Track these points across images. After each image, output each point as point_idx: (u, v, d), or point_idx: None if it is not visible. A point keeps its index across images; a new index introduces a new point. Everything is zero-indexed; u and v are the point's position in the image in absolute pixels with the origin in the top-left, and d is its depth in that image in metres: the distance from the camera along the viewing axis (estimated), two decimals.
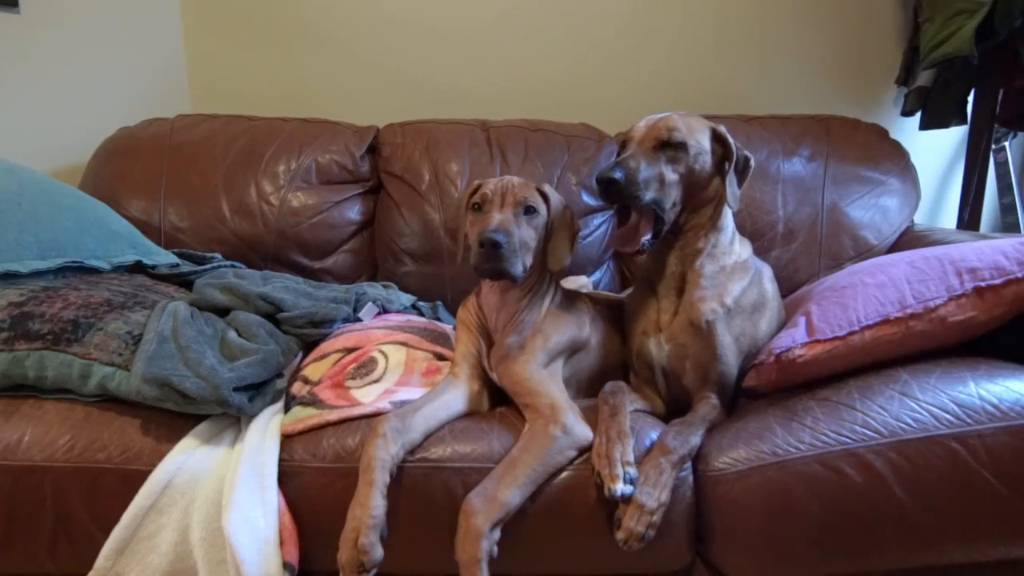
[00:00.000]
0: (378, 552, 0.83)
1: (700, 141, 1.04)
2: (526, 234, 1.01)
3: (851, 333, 0.94)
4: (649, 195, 0.99)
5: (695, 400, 1.03)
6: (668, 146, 1.01)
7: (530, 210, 1.03)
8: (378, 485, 0.85)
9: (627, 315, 1.14)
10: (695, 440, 0.93)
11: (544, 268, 1.08)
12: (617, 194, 0.97)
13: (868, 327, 0.94)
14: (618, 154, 1.09)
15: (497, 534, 0.84)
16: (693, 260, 1.05)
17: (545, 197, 1.07)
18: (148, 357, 0.93)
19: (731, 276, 1.05)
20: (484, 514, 0.82)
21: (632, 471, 0.86)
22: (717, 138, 1.06)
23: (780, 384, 0.99)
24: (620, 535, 0.84)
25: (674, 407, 1.08)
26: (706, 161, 1.04)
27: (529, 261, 1.01)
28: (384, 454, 0.87)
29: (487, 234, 0.96)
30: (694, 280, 1.04)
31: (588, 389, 1.09)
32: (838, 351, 0.94)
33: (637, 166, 0.99)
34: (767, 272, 1.13)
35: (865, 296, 0.98)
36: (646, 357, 1.07)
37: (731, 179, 1.04)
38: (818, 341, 0.95)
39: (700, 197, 1.05)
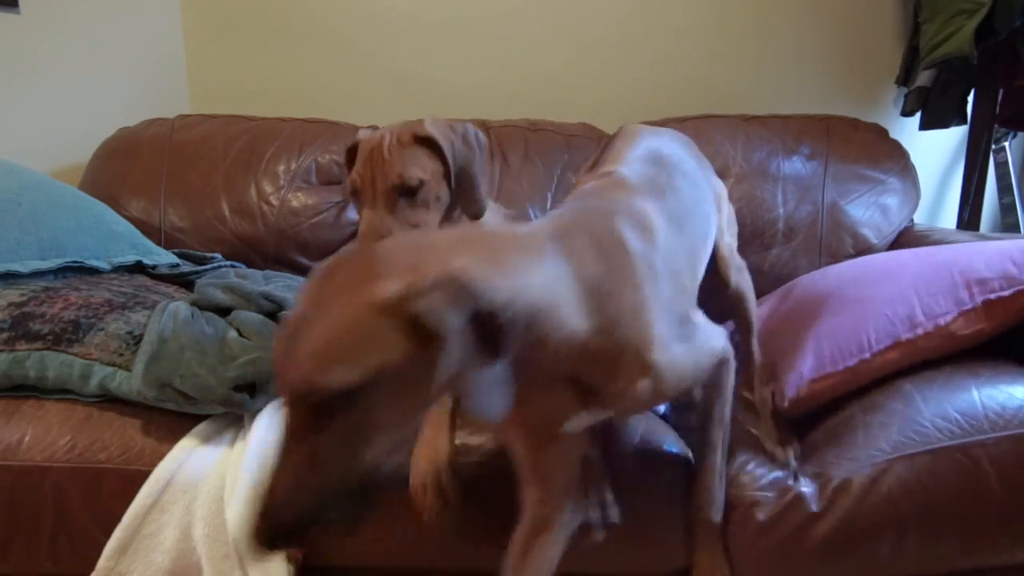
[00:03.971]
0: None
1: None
2: (415, 219, 0.84)
3: (861, 362, 0.93)
4: None
5: None
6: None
7: (411, 190, 0.84)
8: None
9: None
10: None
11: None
12: None
13: (878, 353, 0.93)
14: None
15: None
16: None
17: (432, 143, 0.86)
18: (148, 358, 0.93)
19: None
20: None
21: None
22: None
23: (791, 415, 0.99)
24: None
25: None
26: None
27: None
28: None
29: None
30: None
31: None
32: (846, 380, 0.94)
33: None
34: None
35: (875, 314, 0.97)
36: None
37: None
38: (827, 376, 0.94)
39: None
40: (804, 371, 0.96)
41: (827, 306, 1.06)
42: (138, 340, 0.98)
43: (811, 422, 0.96)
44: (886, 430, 0.88)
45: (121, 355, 0.96)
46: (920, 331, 0.93)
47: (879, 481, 0.85)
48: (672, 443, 0.93)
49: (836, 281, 1.13)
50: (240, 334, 1.06)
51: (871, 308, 0.98)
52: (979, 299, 0.92)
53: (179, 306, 1.06)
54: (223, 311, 1.14)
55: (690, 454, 0.95)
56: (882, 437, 0.88)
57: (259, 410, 0.97)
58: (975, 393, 0.90)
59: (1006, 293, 0.92)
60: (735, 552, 0.89)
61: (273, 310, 1.14)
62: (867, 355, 0.93)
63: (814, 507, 0.86)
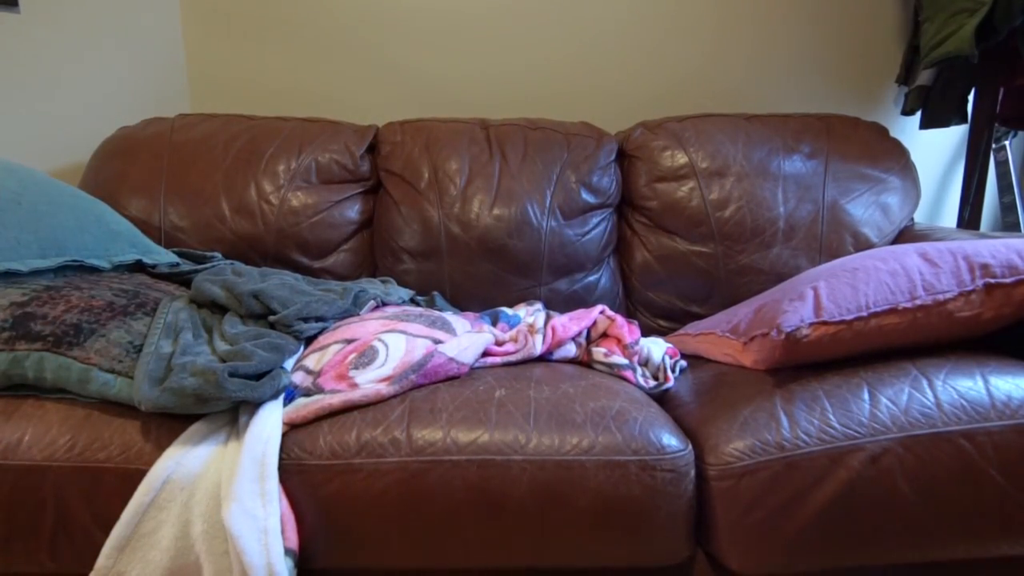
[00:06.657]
0: None
1: None
2: None
3: (858, 319, 0.94)
4: None
5: None
6: None
7: None
8: None
9: None
10: None
11: None
12: None
13: (875, 314, 0.94)
14: None
15: None
16: None
17: None
18: (147, 381, 0.93)
19: None
20: None
21: None
22: None
23: (782, 363, 0.99)
24: None
25: None
26: None
27: None
28: None
29: None
30: None
31: None
32: (843, 335, 0.94)
33: None
34: None
35: (877, 281, 0.98)
36: None
37: None
38: (824, 323, 0.94)
39: None
40: (804, 315, 0.96)
41: (827, 273, 1.06)
42: (138, 349, 0.99)
43: (816, 380, 0.96)
44: (892, 408, 0.89)
45: (121, 362, 0.96)
46: (919, 303, 0.93)
47: (880, 458, 0.86)
48: (671, 435, 0.93)
49: (837, 262, 1.13)
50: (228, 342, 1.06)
51: (873, 276, 0.99)
52: (980, 282, 0.93)
53: (178, 317, 1.07)
54: (220, 308, 1.14)
55: (690, 447, 0.94)
56: (888, 414, 0.89)
57: (264, 399, 0.97)
58: (983, 381, 0.91)
59: (1008, 280, 0.93)
60: (722, 522, 0.89)
61: (262, 311, 1.14)
62: (864, 313, 0.94)
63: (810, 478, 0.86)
